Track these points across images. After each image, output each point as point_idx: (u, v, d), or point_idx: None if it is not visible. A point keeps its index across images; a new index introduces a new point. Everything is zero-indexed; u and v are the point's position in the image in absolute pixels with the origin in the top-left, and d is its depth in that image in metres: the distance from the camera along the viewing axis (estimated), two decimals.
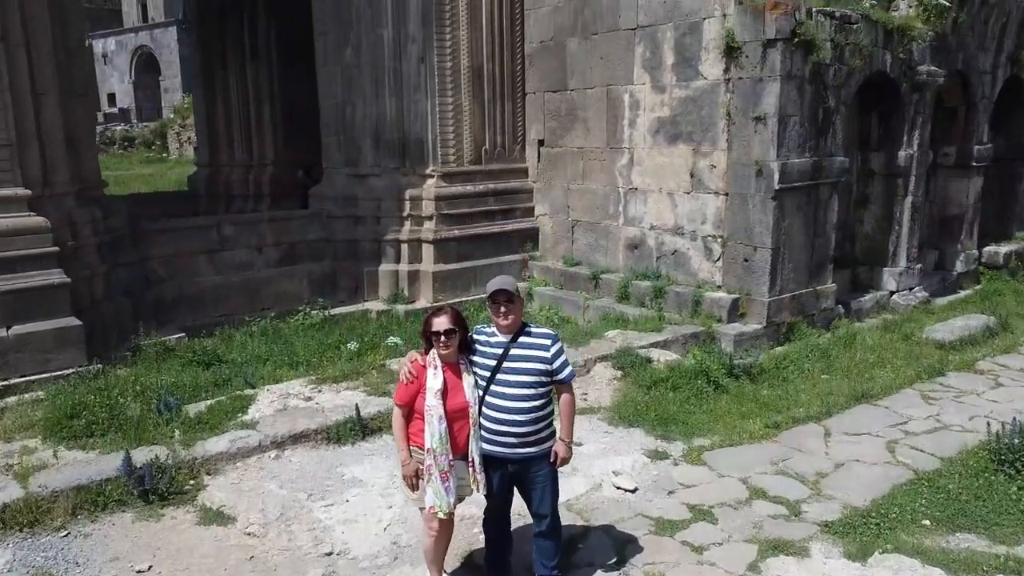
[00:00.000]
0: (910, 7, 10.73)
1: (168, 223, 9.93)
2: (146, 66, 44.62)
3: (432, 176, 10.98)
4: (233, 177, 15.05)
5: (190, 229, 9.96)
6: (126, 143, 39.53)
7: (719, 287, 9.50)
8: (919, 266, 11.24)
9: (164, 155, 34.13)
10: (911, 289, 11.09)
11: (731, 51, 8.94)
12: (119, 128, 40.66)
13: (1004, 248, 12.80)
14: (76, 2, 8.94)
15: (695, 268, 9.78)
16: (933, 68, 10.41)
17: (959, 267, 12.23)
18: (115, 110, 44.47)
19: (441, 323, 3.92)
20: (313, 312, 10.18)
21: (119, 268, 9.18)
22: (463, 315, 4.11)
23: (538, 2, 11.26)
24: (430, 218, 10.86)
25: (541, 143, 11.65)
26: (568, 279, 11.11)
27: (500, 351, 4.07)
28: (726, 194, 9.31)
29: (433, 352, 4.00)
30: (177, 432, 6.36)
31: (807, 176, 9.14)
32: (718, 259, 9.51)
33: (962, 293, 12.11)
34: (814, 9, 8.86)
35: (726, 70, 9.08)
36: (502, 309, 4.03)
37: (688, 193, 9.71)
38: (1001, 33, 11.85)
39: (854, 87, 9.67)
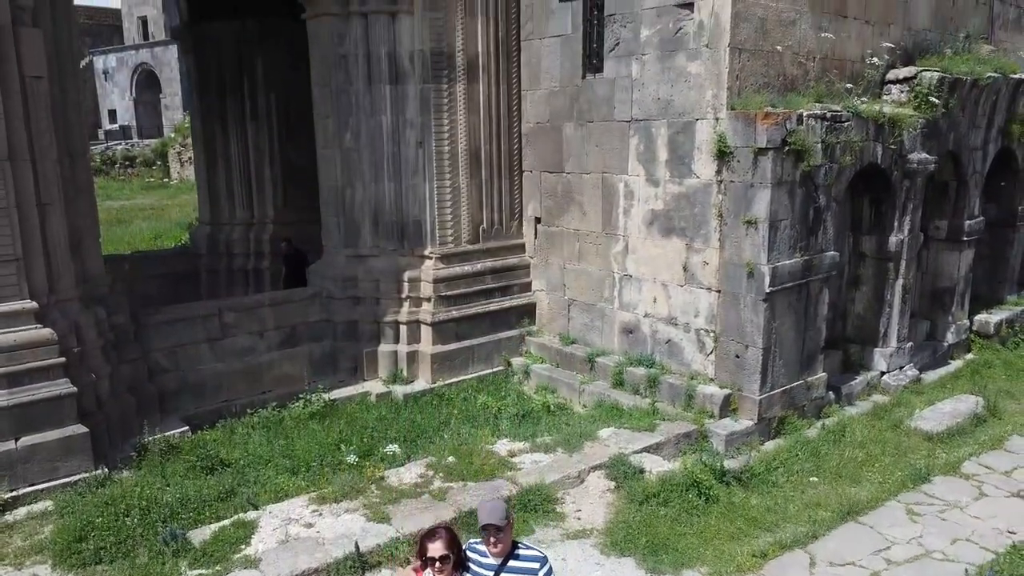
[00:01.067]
0: (902, 92, 10.91)
1: (171, 312, 10.09)
2: (147, 83, 44.73)
3: (431, 258, 11.16)
4: (234, 236, 15.23)
5: (192, 319, 10.13)
6: (127, 163, 39.73)
7: (712, 380, 9.69)
8: (909, 344, 11.42)
9: (165, 179, 34.26)
10: (901, 368, 11.28)
11: (723, 155, 9.11)
12: (120, 147, 40.83)
13: (995, 317, 12.97)
14: (77, 105, 9.09)
15: (688, 359, 9.96)
16: (924, 156, 10.57)
17: (950, 338, 12.41)
18: (115, 127, 44.62)
19: (436, 549, 4.10)
20: (313, 397, 10.37)
21: (123, 365, 9.37)
22: (456, 537, 4.28)
23: (534, 85, 11.42)
24: (428, 300, 11.04)
25: (538, 220, 11.83)
26: (564, 358, 11.29)
27: (491, 573, 4.25)
28: (719, 291, 9.48)
29: (428, 572, 4.18)
30: (183, 565, 6.57)
31: (798, 276, 9.32)
32: (711, 352, 9.69)
33: (953, 365, 12.29)
34: (805, 114, 9.02)
35: (718, 171, 9.25)
36: (491, 539, 4.21)
37: (682, 286, 9.90)
38: (991, 110, 12.02)
39: (845, 183, 9.85)
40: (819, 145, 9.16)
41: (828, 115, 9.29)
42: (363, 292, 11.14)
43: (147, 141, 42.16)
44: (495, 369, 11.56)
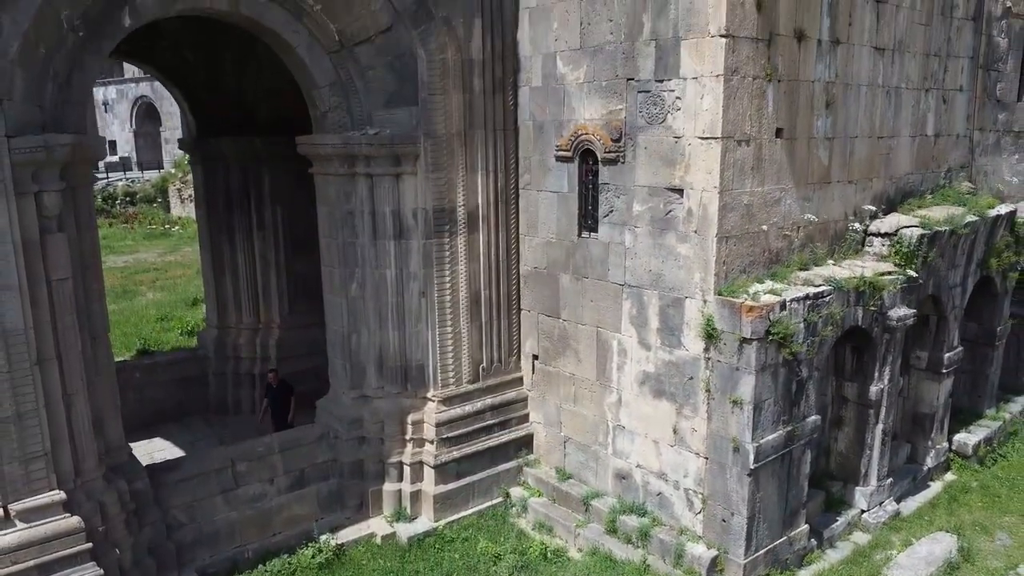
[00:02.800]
0: (883, 245, 11.44)
1: (186, 469, 10.59)
2: (147, 115, 45.14)
3: (433, 400, 11.68)
4: (241, 340, 15.72)
5: (207, 473, 10.64)
6: (127, 199, 40.11)
7: (700, 537, 10.23)
8: (889, 480, 11.97)
9: (167, 226, 34.66)
10: (881, 503, 11.84)
11: (710, 336, 9.63)
12: (120, 183, 41.24)
13: (973, 438, 13.54)
14: (100, 294, 9.57)
15: (678, 514, 10.51)
16: (903, 312, 11.10)
17: (929, 462, 12.98)
18: (115, 158, 45.00)
19: None
20: (322, 540, 10.91)
21: (144, 528, 9.89)
22: None
23: (532, 232, 11.92)
24: (431, 442, 11.57)
25: (536, 357, 12.35)
26: (560, 495, 11.83)
27: None
28: (706, 457, 10.02)
29: None
30: None
31: (781, 447, 9.86)
32: (699, 512, 10.24)
33: (932, 489, 12.85)
34: (788, 299, 9.54)
35: (706, 349, 9.78)
36: None
37: (672, 446, 10.43)
38: (970, 249, 12.55)
39: (827, 351, 10.39)
40: (802, 325, 9.69)
41: (810, 295, 9.81)
42: (368, 432, 11.66)
43: (147, 175, 42.57)
44: (494, 501, 12.10)
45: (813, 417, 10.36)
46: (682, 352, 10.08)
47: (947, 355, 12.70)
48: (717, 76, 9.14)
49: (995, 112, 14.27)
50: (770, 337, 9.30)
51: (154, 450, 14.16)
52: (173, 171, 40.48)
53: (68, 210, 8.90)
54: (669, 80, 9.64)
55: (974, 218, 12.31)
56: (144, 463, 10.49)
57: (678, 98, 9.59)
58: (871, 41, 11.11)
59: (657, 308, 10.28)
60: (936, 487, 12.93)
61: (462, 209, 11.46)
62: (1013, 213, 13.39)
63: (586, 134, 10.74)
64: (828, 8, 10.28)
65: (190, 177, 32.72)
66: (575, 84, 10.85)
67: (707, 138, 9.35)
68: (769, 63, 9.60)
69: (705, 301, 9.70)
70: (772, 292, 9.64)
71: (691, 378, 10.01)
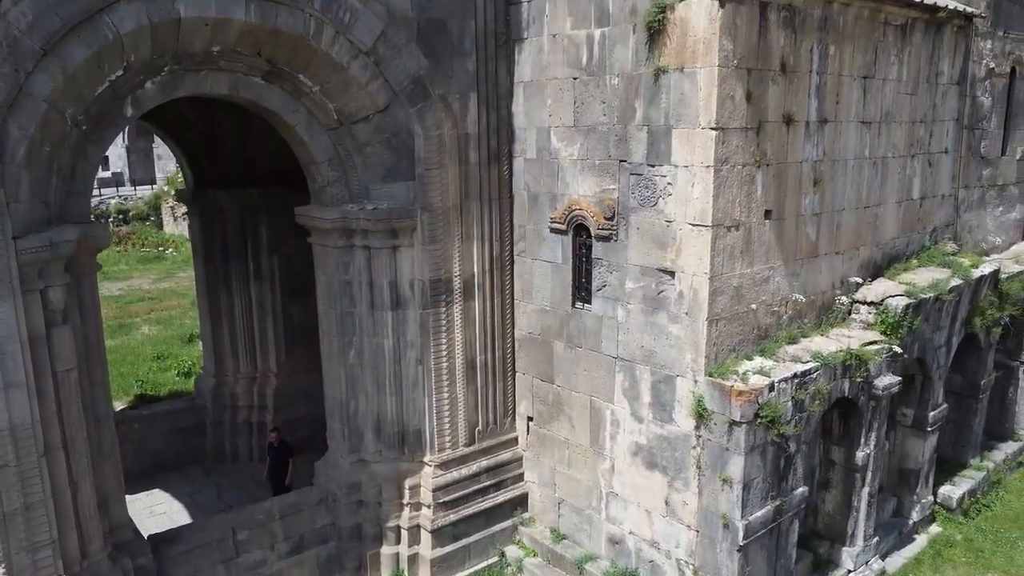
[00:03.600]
0: (870, 313, 11.72)
1: (189, 540, 10.78)
2: (139, 131, 45.07)
3: (430, 465, 11.91)
4: (238, 389, 15.90)
5: (208, 544, 10.83)
6: (120, 216, 40.13)
7: None
8: (875, 539, 12.27)
9: (161, 248, 34.73)
10: (867, 562, 12.13)
11: (701, 415, 9.89)
12: (113, 200, 41.25)
13: (958, 491, 13.86)
14: (103, 380, 9.75)
15: None
16: (889, 380, 11.38)
17: (915, 516, 13.30)
18: (108, 174, 44.99)
19: None
20: None
21: None
22: None
23: (527, 298, 12.16)
24: (428, 506, 11.80)
25: (530, 419, 12.58)
26: (555, 557, 12.08)
27: None
28: (697, 530, 10.29)
29: None
30: None
31: (769, 522, 10.14)
32: None
33: (917, 543, 13.18)
34: (776, 380, 9.81)
35: (697, 427, 10.04)
36: None
37: (664, 516, 10.69)
38: (955, 310, 12.85)
39: (815, 424, 10.66)
40: (790, 404, 9.96)
41: (798, 373, 10.07)
42: (367, 496, 11.87)
43: (140, 191, 42.59)
44: (490, 561, 12.35)
45: (801, 489, 10.64)
46: (673, 427, 10.34)
47: (932, 413, 13.00)
48: (707, 167, 9.38)
49: (979, 169, 14.58)
50: (759, 420, 9.56)
51: (153, 503, 14.36)
52: (166, 188, 40.51)
53: (73, 300, 9.08)
54: (661, 166, 9.88)
55: (958, 281, 12.61)
56: (144, 519, 10.67)
57: (669, 184, 9.83)
58: (858, 116, 11.37)
59: (649, 383, 10.53)
60: (921, 541, 13.25)
61: (458, 278, 11.68)
62: (996, 272, 13.69)
63: (580, 209, 10.97)
64: (816, 90, 10.54)
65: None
66: (569, 160, 11.08)
67: (698, 225, 9.59)
68: (758, 149, 9.85)
69: (696, 381, 9.95)
70: (761, 372, 9.90)
71: (682, 453, 10.26)
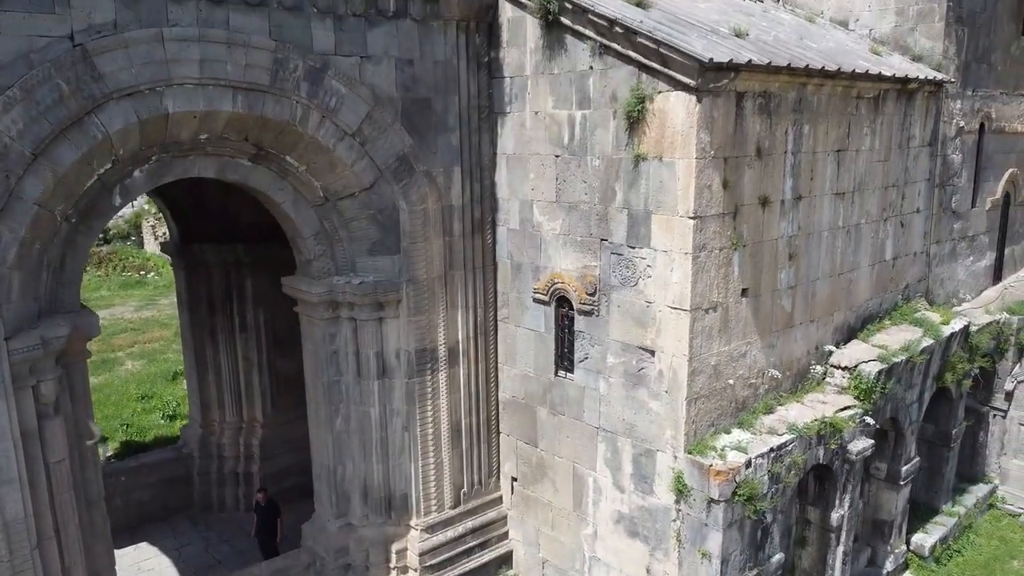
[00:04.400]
0: (844, 377, 12.06)
1: None
2: None
3: (416, 529, 12.12)
4: (224, 439, 16.00)
5: None
6: (101, 236, 39.92)
7: None
8: None
9: (142, 272, 34.59)
10: None
11: (680, 491, 10.17)
12: None
13: (930, 539, 14.28)
14: (95, 466, 9.88)
15: None
16: (863, 444, 11.72)
17: (888, 566, 13.68)
18: None
19: None
20: None
21: None
22: None
23: (510, 362, 12.39)
24: (415, 569, 12.01)
25: (515, 479, 12.82)
26: None
27: None
28: None
29: None
30: None
31: None
32: None
33: None
34: (753, 457, 10.11)
35: (677, 500, 10.32)
36: None
37: None
38: (927, 368, 13.22)
39: (791, 494, 10.98)
40: (766, 478, 10.26)
41: (774, 447, 10.38)
42: (354, 560, 12.07)
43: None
44: None
45: (777, 556, 10.96)
46: (654, 500, 10.61)
47: (904, 468, 13.38)
48: (686, 253, 9.66)
49: (951, 223, 14.97)
50: (736, 497, 9.85)
51: (141, 559, 14.46)
52: (147, 206, 40.31)
53: (64, 388, 9.21)
54: (641, 248, 10.15)
55: (929, 341, 12.98)
56: None
57: (649, 266, 10.09)
58: (832, 189, 11.70)
59: (630, 455, 10.80)
60: None
61: (443, 346, 11.89)
62: (966, 327, 14.08)
63: (562, 283, 11.21)
64: (791, 169, 10.84)
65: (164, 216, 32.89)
66: (551, 234, 11.32)
67: (677, 308, 9.87)
68: (735, 232, 10.14)
69: (676, 457, 10.23)
70: (738, 448, 10.20)
71: (663, 525, 10.55)
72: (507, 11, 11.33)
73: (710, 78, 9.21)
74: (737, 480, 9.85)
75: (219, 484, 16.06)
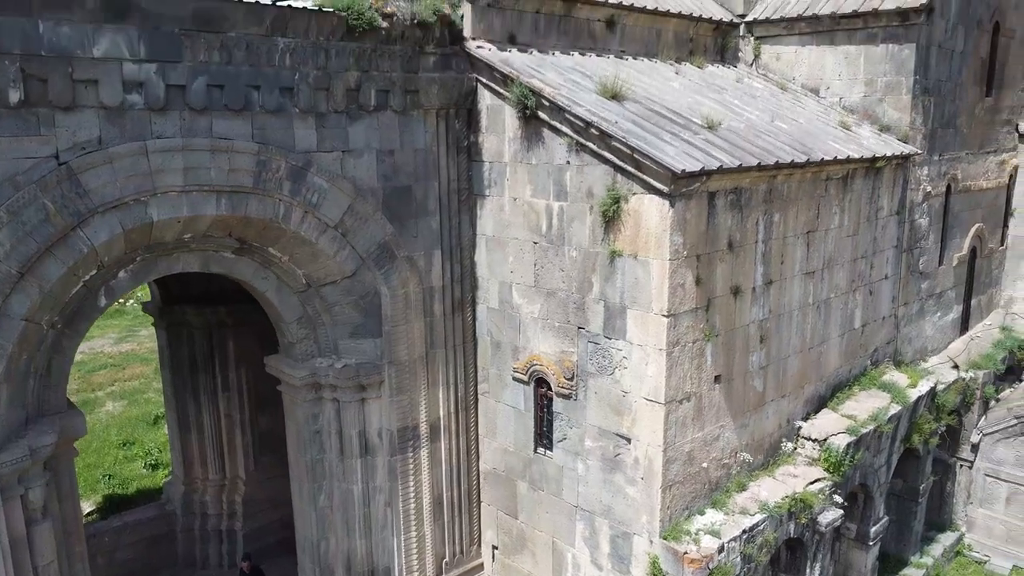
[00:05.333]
0: (815, 448, 12.43)
1: None
2: None
3: None
4: (207, 496, 16.15)
5: None
6: None
7: None
8: None
9: (121, 301, 34.43)
10: None
11: (656, 574, 10.48)
12: None
13: None
14: (83, 554, 10.03)
15: None
16: (832, 515, 12.09)
17: None
18: None
19: None
20: None
21: None
22: None
23: (491, 434, 12.65)
24: None
25: (495, 548, 13.09)
26: None
27: None
28: None
29: None
30: None
31: None
32: None
33: None
34: (725, 542, 10.44)
35: None
36: None
37: None
38: (895, 432, 13.64)
39: (763, 569, 11.33)
40: (739, 559, 10.60)
41: (746, 529, 10.73)
42: None
43: None
44: None
45: None
46: None
47: (873, 528, 13.81)
48: (660, 349, 9.96)
49: (918, 284, 15.41)
50: None
51: None
52: None
53: (51, 491, 9.35)
54: (617, 340, 10.43)
55: (897, 407, 13.40)
56: None
57: (625, 357, 10.39)
58: (802, 269, 12.06)
59: (608, 536, 11.10)
60: None
61: (425, 423, 12.13)
62: (933, 389, 14.52)
63: (540, 365, 11.48)
64: (761, 257, 11.18)
65: None
66: (530, 317, 11.58)
67: (652, 401, 10.17)
68: (707, 324, 10.45)
69: (651, 542, 10.54)
70: (712, 531, 10.53)
71: None
72: (486, 98, 11.56)
73: (682, 184, 9.51)
74: (711, 567, 10.18)
75: (202, 541, 16.21)
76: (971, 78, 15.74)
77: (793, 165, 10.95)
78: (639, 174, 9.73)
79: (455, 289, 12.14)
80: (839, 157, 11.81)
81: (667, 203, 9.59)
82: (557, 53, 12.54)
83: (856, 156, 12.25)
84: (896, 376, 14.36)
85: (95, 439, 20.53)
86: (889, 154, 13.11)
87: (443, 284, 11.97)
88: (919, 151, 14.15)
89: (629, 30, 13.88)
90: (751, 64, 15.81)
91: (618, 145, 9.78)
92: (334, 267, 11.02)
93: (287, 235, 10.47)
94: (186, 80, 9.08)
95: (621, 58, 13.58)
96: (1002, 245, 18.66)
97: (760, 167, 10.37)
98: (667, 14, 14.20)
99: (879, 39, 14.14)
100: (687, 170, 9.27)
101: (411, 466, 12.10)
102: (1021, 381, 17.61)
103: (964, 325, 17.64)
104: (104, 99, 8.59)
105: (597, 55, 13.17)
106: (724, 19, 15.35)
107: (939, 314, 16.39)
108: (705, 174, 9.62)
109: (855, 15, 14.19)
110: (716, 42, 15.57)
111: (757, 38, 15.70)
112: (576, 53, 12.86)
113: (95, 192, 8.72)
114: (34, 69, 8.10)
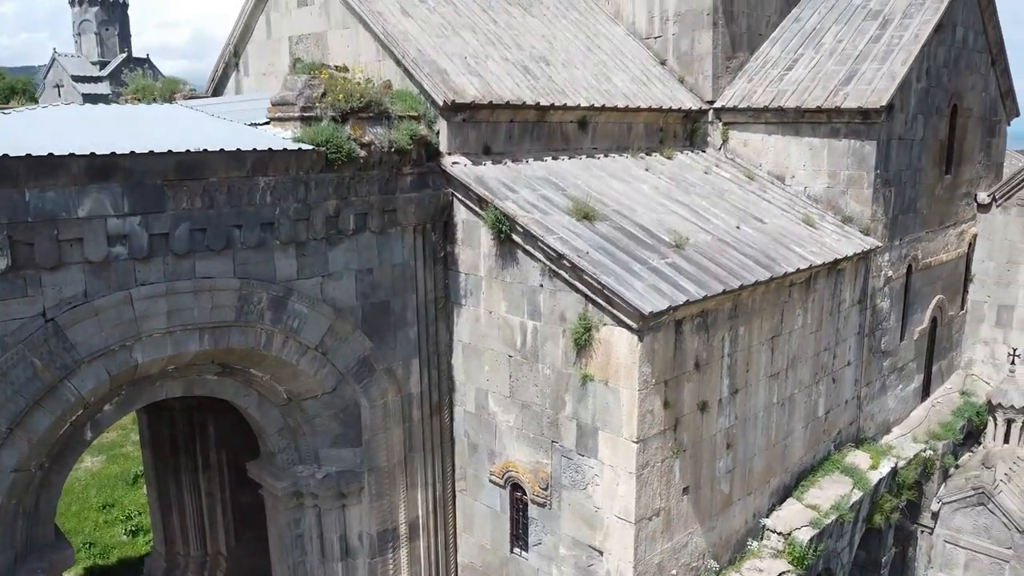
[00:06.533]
0: (779, 541, 12.93)
1: None
2: None
3: None
4: (189, 573, 16.38)
5: None
6: None
7: None
8: None
9: None
10: None
11: None
12: None
13: None
14: None
15: None
16: None
17: None
18: None
19: None
20: None
21: None
22: None
23: (469, 531, 13.02)
24: None
25: None
26: None
27: None
28: None
29: None
30: None
31: None
32: None
33: None
34: None
35: None
36: None
37: None
38: (856, 515, 14.17)
39: None
40: None
41: None
42: None
43: None
44: None
45: None
46: None
47: None
48: (630, 472, 10.38)
49: (880, 362, 15.97)
50: None
51: None
52: None
53: None
54: (589, 458, 10.84)
55: (859, 493, 13.93)
56: None
57: (597, 475, 10.80)
58: (767, 373, 12.53)
59: None
60: None
61: (404, 524, 12.48)
62: (894, 468, 15.09)
63: (516, 472, 11.87)
64: (727, 370, 11.64)
65: None
66: (506, 425, 11.96)
67: (623, 519, 10.59)
68: (676, 443, 10.90)
69: None
70: None
71: None
72: (462, 212, 11.90)
73: (650, 320, 9.92)
74: None
75: None
76: (931, 161, 16.32)
77: (757, 284, 11.40)
78: (609, 308, 10.12)
79: (433, 394, 12.49)
80: (801, 268, 12.29)
81: (636, 337, 10.00)
82: (531, 160, 12.89)
83: (819, 262, 12.75)
84: (858, 457, 14.91)
85: (74, 502, 20.63)
86: (851, 254, 13.62)
87: (421, 390, 12.31)
88: (880, 244, 14.68)
89: (601, 127, 14.27)
90: (720, 148, 16.28)
91: (589, 279, 10.17)
92: (315, 384, 11.33)
93: (269, 359, 10.75)
94: (169, 228, 9.33)
95: (593, 156, 13.97)
96: (962, 310, 19.31)
97: (725, 292, 10.80)
98: (637, 109, 14.61)
99: (842, 134, 14.64)
100: (654, 312, 9.68)
101: (391, 567, 12.45)
102: (979, 444, 18.28)
103: (926, 391, 18.27)
104: (89, 255, 8.83)
105: (570, 157, 13.55)
106: (693, 107, 15.79)
107: (900, 386, 16.99)
108: (672, 309, 10.03)
109: (819, 110, 14.69)
110: (686, 128, 16.00)
111: (725, 124, 16.16)
112: (549, 157, 13.22)
113: (82, 344, 8.96)
114: (20, 235, 8.32)
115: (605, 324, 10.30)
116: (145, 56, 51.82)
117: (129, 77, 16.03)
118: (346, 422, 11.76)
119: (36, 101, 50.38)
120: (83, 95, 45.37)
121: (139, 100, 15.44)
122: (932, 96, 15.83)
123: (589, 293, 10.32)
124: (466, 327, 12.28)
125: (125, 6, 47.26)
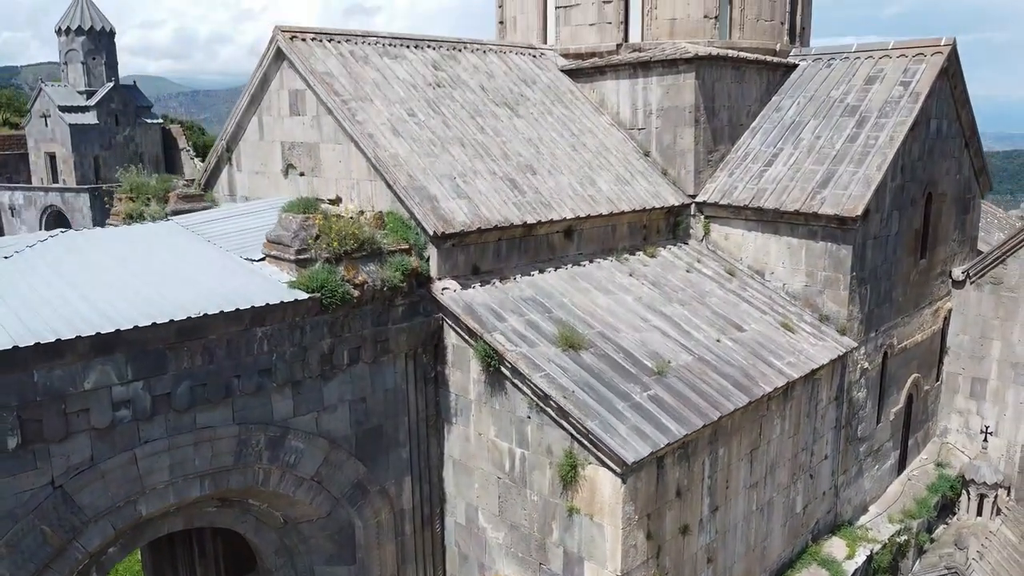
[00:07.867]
0: None
1: None
2: (56, 223, 44.26)
3: None
4: None
5: None
6: None
7: None
8: None
9: None
10: None
11: None
12: None
13: None
14: None
15: None
16: None
17: None
18: None
19: None
20: None
21: None
22: None
23: None
24: None
25: None
26: None
27: None
28: None
29: None
30: None
31: None
32: None
33: None
34: None
35: None
36: None
37: None
38: None
39: None
40: None
41: None
42: None
43: None
44: None
45: None
46: None
47: None
48: None
49: (857, 449, 16.50)
50: None
51: None
52: None
53: None
54: None
55: None
56: None
57: None
58: (746, 484, 13.02)
59: None
60: None
61: None
62: (870, 556, 15.64)
63: None
64: (708, 491, 12.11)
65: None
66: (495, 541, 12.40)
67: None
68: (659, 568, 11.36)
69: None
70: None
71: None
72: (452, 337, 12.31)
73: (633, 465, 10.37)
74: None
75: None
76: (906, 251, 16.84)
77: (735, 411, 11.88)
78: (594, 450, 10.57)
79: (424, 507, 12.91)
80: (779, 385, 12.78)
81: (619, 480, 10.45)
82: (518, 277, 13.30)
83: (797, 376, 13.24)
84: (835, 546, 15.44)
85: None
86: (827, 361, 14.12)
87: (413, 505, 12.73)
88: (856, 343, 15.19)
89: (587, 233, 14.71)
90: (702, 240, 16.74)
91: (575, 422, 10.61)
92: (311, 510, 11.73)
93: (266, 493, 11.14)
94: (171, 388, 9.71)
95: (578, 263, 14.38)
96: (937, 381, 19.89)
97: (705, 426, 11.27)
98: (622, 213, 15.05)
99: (819, 236, 15.13)
100: (637, 461, 10.15)
101: None
102: (954, 515, 18.89)
103: (902, 464, 18.82)
104: (95, 423, 9.20)
105: (556, 268, 13.95)
106: (675, 203, 16.24)
107: (876, 467, 17.53)
108: (654, 454, 10.49)
109: (797, 213, 15.17)
110: (668, 222, 16.46)
111: (707, 217, 16.63)
112: (536, 271, 13.62)
113: (88, 507, 9.35)
114: (30, 413, 8.68)
115: (590, 463, 10.74)
116: (132, 83, 51.67)
117: (123, 176, 16.30)
118: (341, 542, 12.17)
119: (23, 116, 49.86)
120: (70, 125, 45.34)
121: (133, 200, 15.72)
122: (907, 190, 16.33)
123: (575, 433, 10.76)
124: (456, 445, 12.70)
125: (112, 35, 47.12)
